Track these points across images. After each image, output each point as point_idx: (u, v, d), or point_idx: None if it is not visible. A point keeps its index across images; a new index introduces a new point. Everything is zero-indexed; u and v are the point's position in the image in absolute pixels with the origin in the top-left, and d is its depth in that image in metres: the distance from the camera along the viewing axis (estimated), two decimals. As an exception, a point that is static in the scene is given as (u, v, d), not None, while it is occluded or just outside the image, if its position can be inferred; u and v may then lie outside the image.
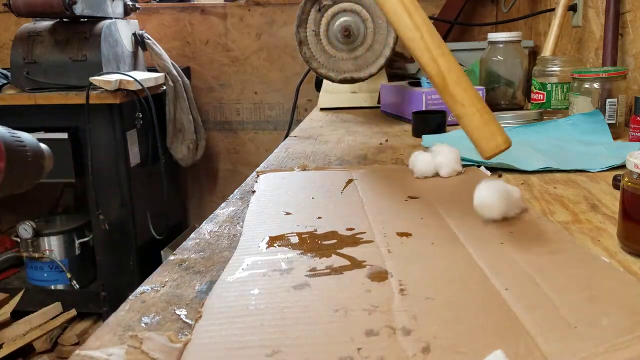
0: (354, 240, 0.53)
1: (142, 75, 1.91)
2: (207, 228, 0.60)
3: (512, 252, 0.49)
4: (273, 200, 0.67)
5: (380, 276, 0.44)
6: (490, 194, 0.56)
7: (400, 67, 1.67)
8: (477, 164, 0.79)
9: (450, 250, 0.50)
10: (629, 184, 0.49)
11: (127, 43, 2.03)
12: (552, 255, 0.48)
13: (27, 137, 0.50)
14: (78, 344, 1.90)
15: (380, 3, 0.60)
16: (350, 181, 0.73)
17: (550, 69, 1.13)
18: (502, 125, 0.99)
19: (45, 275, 2.00)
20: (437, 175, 0.75)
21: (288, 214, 0.61)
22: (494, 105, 1.25)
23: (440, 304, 0.40)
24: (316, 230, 0.56)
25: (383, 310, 0.39)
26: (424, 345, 0.35)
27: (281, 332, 0.37)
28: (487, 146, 0.56)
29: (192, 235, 0.58)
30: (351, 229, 0.56)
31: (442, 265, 0.47)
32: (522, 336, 0.36)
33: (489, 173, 0.76)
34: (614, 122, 0.95)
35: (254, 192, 0.71)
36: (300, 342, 0.36)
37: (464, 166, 0.77)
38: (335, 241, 0.53)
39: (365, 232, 0.55)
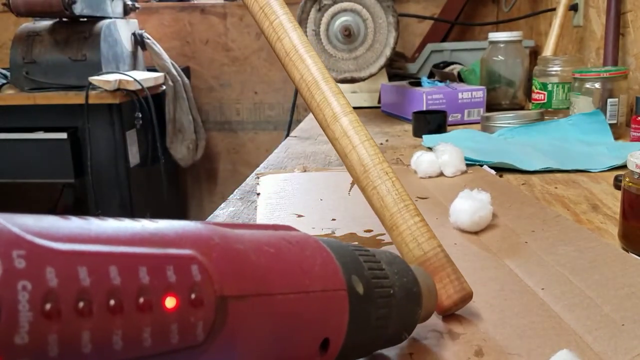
0: (375, 242, 0.53)
1: (141, 75, 1.91)
2: (206, 228, 0.59)
3: (538, 251, 0.49)
4: (280, 202, 0.66)
5: None
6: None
7: (400, 66, 1.67)
8: (479, 163, 0.79)
9: (474, 251, 0.50)
10: (630, 184, 0.49)
11: (126, 42, 2.02)
12: (580, 253, 0.48)
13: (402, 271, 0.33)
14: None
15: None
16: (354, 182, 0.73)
17: (551, 69, 1.13)
18: (503, 125, 1.00)
19: (45, 275, 2.00)
20: (441, 174, 0.75)
21: (300, 216, 0.61)
22: (495, 105, 1.25)
23: (481, 305, 0.39)
24: (334, 233, 0.56)
25: None
26: (476, 349, 0.34)
27: None
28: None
29: (192, 236, 0.57)
30: (369, 230, 0.55)
31: (470, 266, 0.46)
32: (570, 335, 0.35)
33: (493, 172, 0.76)
34: (615, 121, 0.95)
35: (258, 194, 0.70)
36: None
37: (467, 165, 0.77)
38: (356, 243, 0.53)
39: (384, 234, 0.53)
